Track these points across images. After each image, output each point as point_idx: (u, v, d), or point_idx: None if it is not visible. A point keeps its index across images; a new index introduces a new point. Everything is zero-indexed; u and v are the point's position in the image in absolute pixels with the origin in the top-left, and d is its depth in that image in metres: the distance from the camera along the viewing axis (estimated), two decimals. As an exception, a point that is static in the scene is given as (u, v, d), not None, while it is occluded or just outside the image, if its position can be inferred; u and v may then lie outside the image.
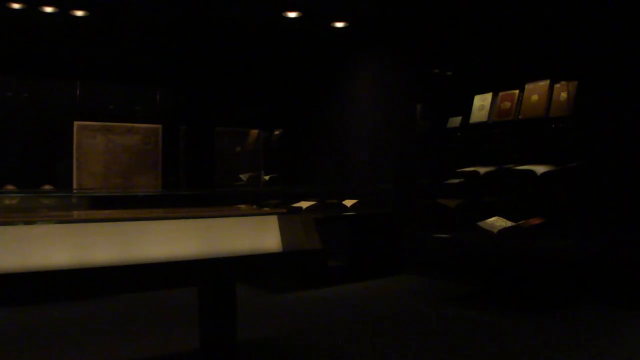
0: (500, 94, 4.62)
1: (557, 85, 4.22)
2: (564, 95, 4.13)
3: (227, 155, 7.19)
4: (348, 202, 5.76)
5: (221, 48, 6.47)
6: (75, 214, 3.16)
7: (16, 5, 5.04)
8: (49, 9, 5.17)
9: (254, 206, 3.59)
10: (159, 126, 6.13)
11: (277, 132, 7.35)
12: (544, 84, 4.28)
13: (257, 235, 2.42)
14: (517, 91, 4.48)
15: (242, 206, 3.57)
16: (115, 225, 2.14)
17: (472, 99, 4.81)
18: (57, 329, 3.60)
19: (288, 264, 2.45)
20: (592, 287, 4.08)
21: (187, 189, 6.25)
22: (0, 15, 5.26)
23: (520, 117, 4.39)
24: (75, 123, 5.68)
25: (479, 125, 4.69)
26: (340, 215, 5.46)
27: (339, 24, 6.00)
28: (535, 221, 4.17)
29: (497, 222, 4.22)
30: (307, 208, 5.37)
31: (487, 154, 4.82)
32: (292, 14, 5.64)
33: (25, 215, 2.51)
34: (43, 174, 5.69)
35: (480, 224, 4.26)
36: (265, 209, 3.15)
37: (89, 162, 5.68)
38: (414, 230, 5.24)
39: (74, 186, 5.59)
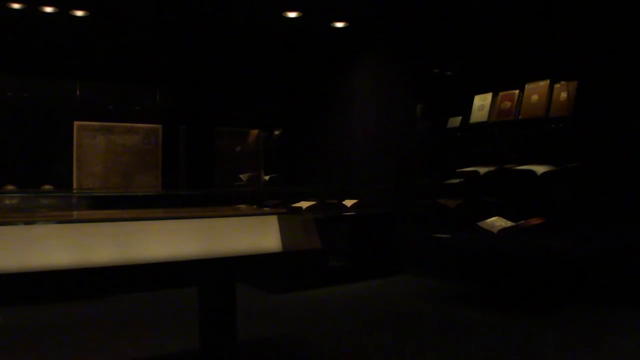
0: (500, 94, 4.62)
1: (557, 85, 4.22)
2: (564, 95, 4.13)
3: (227, 155, 7.19)
4: (348, 202, 5.76)
5: (221, 48, 6.46)
6: (75, 214, 3.16)
7: (16, 5, 5.03)
8: (49, 9, 5.16)
9: (254, 206, 3.59)
10: (159, 126, 6.12)
11: (277, 132, 7.34)
12: (544, 84, 4.28)
13: (257, 235, 2.42)
14: (517, 91, 4.48)
15: (242, 206, 3.57)
16: (115, 225, 2.14)
17: (472, 99, 4.81)
18: (57, 329, 3.60)
19: (288, 264, 2.45)
20: (592, 287, 4.08)
21: (187, 189, 6.24)
22: (0, 15, 5.25)
23: (520, 117, 4.39)
24: (75, 123, 5.67)
25: (479, 125, 4.69)
26: (340, 215, 5.45)
27: (339, 24, 5.99)
28: (535, 221, 4.17)
29: (497, 222, 4.22)
30: (307, 208, 5.37)
31: (487, 154, 4.82)
32: (292, 14, 5.64)
33: (25, 215, 2.51)
34: (43, 174, 5.68)
35: (480, 224, 4.26)
36: (265, 209, 3.15)
37: (89, 162, 5.67)
38: (414, 230, 5.24)
39: (74, 186, 5.58)
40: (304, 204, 5.49)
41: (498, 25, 4.72)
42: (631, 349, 3.10)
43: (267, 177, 7.19)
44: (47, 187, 5.47)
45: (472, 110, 4.78)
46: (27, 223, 2.03)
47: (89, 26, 5.66)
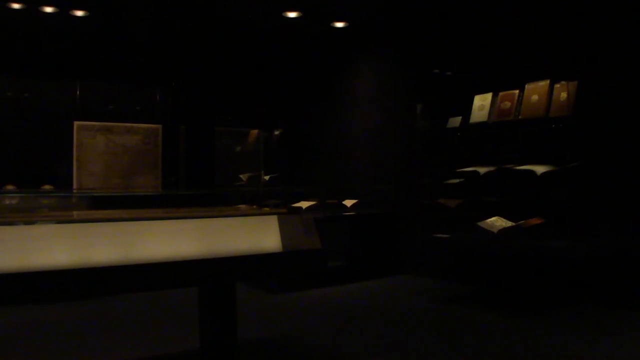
0: (500, 94, 4.62)
1: (557, 85, 4.22)
2: (564, 95, 4.13)
3: (227, 155, 7.18)
4: (348, 202, 5.76)
5: (221, 48, 6.46)
6: (75, 214, 3.16)
7: (16, 5, 5.03)
8: (49, 9, 5.16)
9: (254, 206, 3.59)
10: (159, 126, 6.11)
11: (277, 132, 7.34)
12: (544, 84, 4.28)
13: (257, 235, 2.42)
14: (517, 91, 4.48)
15: (242, 206, 3.57)
16: (115, 225, 2.14)
17: (472, 99, 4.81)
18: (57, 329, 3.60)
19: (288, 264, 2.45)
20: (592, 287, 4.08)
21: (187, 189, 6.24)
22: (0, 15, 5.25)
23: (520, 117, 4.39)
24: (75, 123, 5.67)
25: (479, 125, 4.69)
26: (340, 215, 5.45)
27: (339, 24, 5.99)
28: (535, 221, 4.17)
29: (497, 222, 4.22)
30: (307, 208, 5.36)
31: (487, 154, 4.81)
32: (292, 14, 5.64)
33: (25, 215, 2.51)
34: (43, 174, 5.68)
35: (480, 224, 4.26)
36: (265, 209, 3.15)
37: (89, 162, 5.67)
38: (414, 230, 5.24)
39: (74, 186, 5.58)
40: (304, 204, 5.49)
41: (498, 25, 4.72)
42: (631, 349, 3.10)
43: (267, 177, 7.19)
44: (47, 187, 5.47)
45: (472, 110, 4.78)
46: (27, 223, 2.03)
47: (89, 26, 5.66)
